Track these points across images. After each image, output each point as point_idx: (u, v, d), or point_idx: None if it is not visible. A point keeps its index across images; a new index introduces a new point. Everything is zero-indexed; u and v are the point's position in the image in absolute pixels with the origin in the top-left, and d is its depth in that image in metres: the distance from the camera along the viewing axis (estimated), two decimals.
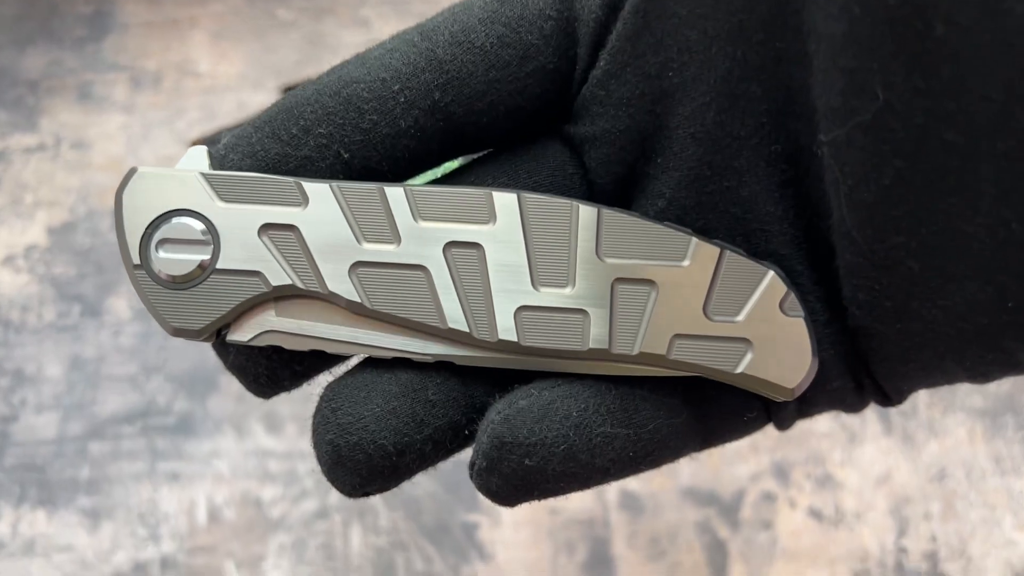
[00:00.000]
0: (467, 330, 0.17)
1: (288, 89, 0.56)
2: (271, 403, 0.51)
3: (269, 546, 0.49)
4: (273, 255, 0.17)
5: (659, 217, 0.18)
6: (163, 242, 0.17)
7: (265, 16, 0.63)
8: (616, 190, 0.19)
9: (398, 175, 0.18)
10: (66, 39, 0.62)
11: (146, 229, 0.17)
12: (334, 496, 0.50)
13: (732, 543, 0.47)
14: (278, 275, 0.17)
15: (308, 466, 0.50)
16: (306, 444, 0.51)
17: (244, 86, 0.61)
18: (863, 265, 0.16)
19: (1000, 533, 0.47)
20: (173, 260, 0.17)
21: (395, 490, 0.19)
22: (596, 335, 0.17)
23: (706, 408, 0.18)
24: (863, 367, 0.18)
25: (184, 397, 0.52)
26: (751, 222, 0.17)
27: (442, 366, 0.18)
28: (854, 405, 0.19)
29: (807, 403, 0.19)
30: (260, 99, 0.60)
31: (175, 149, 0.58)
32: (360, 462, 0.17)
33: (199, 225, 0.17)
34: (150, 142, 0.59)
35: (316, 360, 0.19)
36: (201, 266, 0.17)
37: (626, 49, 0.17)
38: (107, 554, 0.49)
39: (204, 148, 0.17)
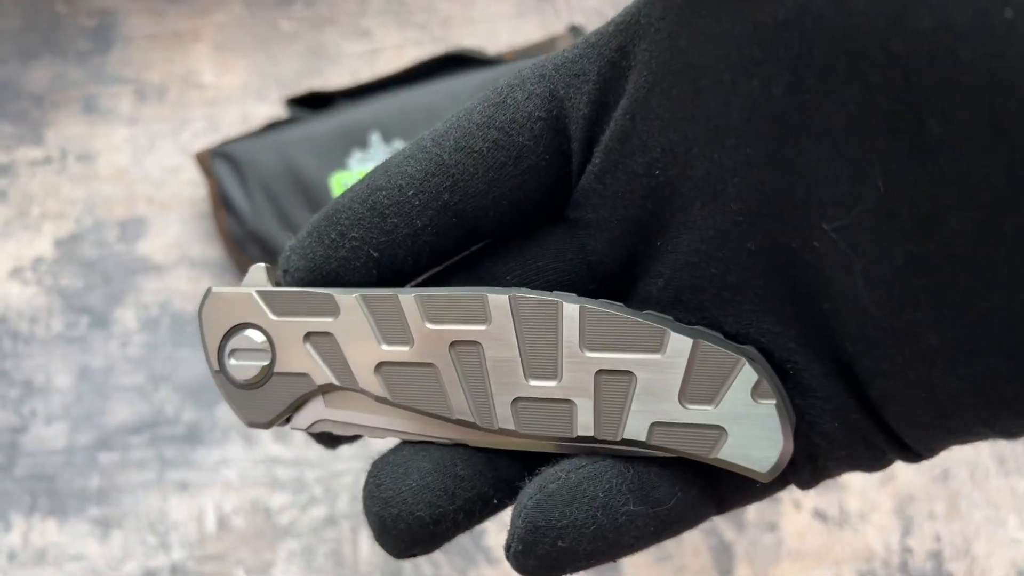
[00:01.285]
0: (472, 420, 0.19)
1: (291, 101, 0.57)
2: None
3: (278, 553, 0.49)
4: (316, 358, 0.20)
5: (659, 296, 0.19)
6: (234, 351, 0.20)
7: (267, 27, 0.63)
8: (619, 271, 0.20)
9: (422, 268, 0.20)
10: (70, 52, 0.62)
11: (221, 341, 0.20)
12: (342, 503, 0.50)
13: (738, 545, 0.48)
14: (321, 375, 0.20)
15: (316, 474, 0.51)
16: (314, 452, 0.52)
17: (247, 97, 0.61)
18: (883, 338, 0.16)
19: (1004, 532, 0.47)
20: (242, 367, 0.20)
21: None
22: (583, 423, 0.19)
23: (719, 477, 0.19)
24: (883, 432, 0.18)
25: (192, 406, 0.52)
26: (742, 303, 0.18)
27: (465, 445, 0.20)
28: (873, 466, 0.19)
29: (821, 470, 0.19)
30: (264, 110, 0.60)
31: (180, 160, 0.59)
32: (402, 531, 0.19)
33: (260, 336, 0.20)
34: (155, 154, 0.60)
35: None
36: (264, 370, 0.20)
37: (616, 148, 0.19)
38: (118, 563, 0.49)
39: (264, 266, 0.20)
